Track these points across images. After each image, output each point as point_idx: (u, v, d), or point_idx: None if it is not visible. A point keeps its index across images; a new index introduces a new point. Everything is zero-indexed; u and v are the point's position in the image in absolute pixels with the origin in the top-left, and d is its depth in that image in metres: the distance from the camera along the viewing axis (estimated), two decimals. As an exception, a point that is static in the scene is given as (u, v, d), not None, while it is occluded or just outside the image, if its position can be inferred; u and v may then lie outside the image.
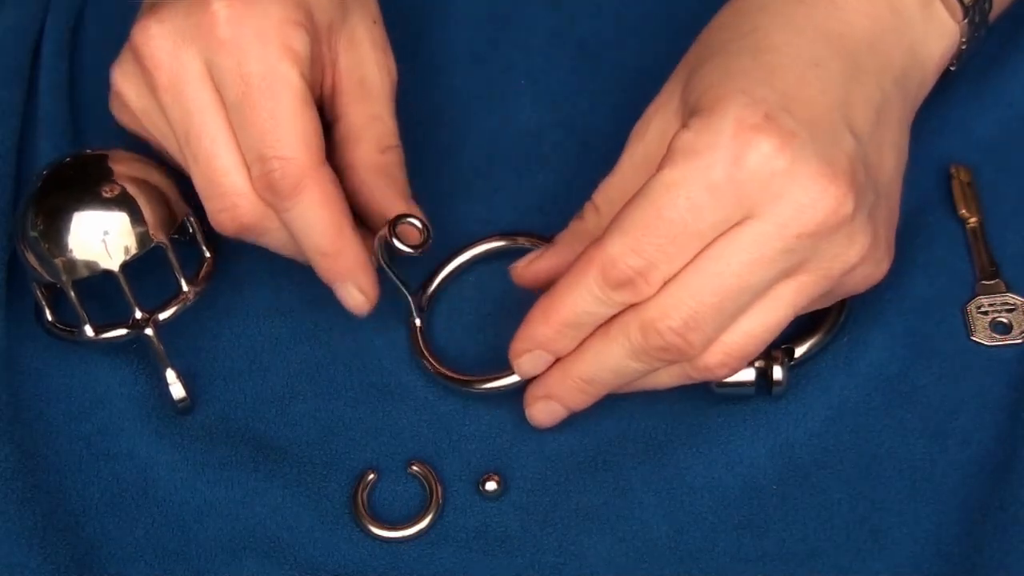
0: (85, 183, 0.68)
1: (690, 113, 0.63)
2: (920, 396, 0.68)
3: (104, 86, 0.78)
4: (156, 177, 0.69)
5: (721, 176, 0.60)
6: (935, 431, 0.67)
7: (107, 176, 0.68)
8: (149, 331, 0.68)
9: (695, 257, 0.61)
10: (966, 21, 0.67)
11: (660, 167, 0.61)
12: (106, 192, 0.67)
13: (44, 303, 0.70)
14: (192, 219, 0.70)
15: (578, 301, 0.62)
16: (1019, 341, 0.69)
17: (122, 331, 0.68)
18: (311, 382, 0.70)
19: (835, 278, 0.63)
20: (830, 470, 0.67)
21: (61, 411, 0.69)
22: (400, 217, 0.66)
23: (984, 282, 0.70)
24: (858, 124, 0.63)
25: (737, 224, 0.61)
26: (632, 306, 0.62)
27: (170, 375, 0.68)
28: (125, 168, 0.68)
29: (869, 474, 0.67)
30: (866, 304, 0.70)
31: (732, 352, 0.63)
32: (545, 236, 0.71)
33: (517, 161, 0.75)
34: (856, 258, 0.62)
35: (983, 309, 0.70)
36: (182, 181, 0.70)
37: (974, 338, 0.69)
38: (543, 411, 0.66)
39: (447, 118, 0.76)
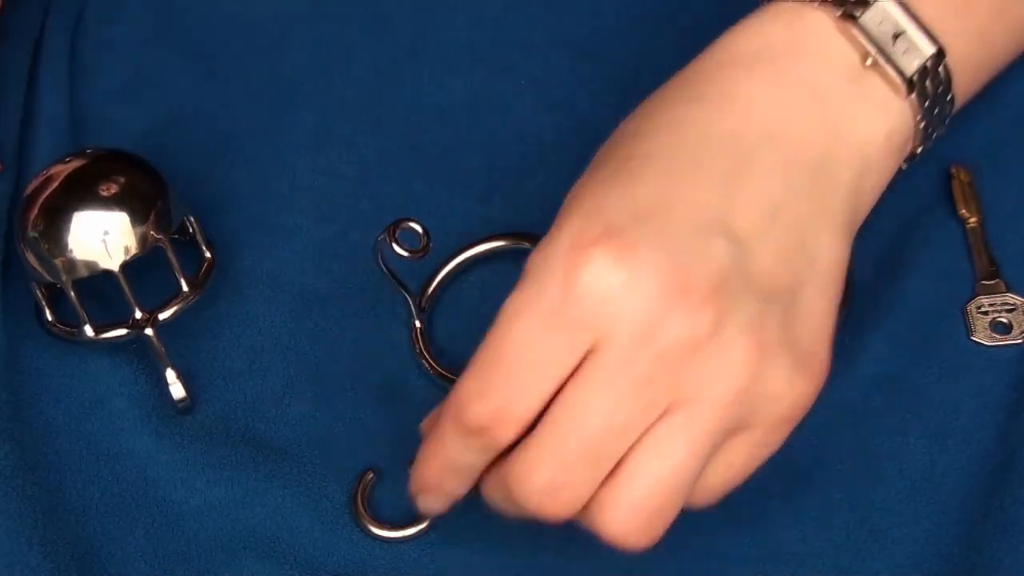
0: (85, 183, 0.67)
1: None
2: (920, 396, 0.68)
3: (104, 86, 0.78)
4: (156, 177, 0.69)
5: (554, 299, 0.55)
6: (935, 431, 0.67)
7: (107, 176, 0.68)
8: (149, 331, 0.68)
9: (553, 398, 0.56)
10: (914, 96, 0.61)
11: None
12: (106, 192, 0.67)
13: (44, 303, 0.70)
14: (192, 219, 0.70)
15: (446, 450, 0.58)
16: (1019, 341, 0.69)
17: (122, 331, 0.68)
18: (311, 382, 0.70)
19: (728, 404, 0.55)
20: (830, 470, 0.67)
21: (61, 411, 0.69)
22: (400, 220, 0.66)
23: (984, 282, 0.70)
24: (739, 226, 0.57)
25: (589, 351, 0.55)
26: (500, 456, 0.58)
27: (170, 375, 0.68)
28: (125, 168, 0.68)
29: (869, 474, 0.67)
30: (866, 304, 0.70)
31: (637, 515, 0.56)
32: (532, 236, 0.71)
33: (517, 161, 0.75)
34: (740, 375, 0.55)
35: (983, 309, 0.70)
36: (182, 181, 0.70)
37: (974, 338, 0.69)
38: (429, 504, 0.62)
39: (447, 118, 0.76)
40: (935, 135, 0.64)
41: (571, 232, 0.56)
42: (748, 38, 0.62)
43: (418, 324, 0.70)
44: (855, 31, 0.61)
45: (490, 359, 0.56)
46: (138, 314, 0.68)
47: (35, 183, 0.69)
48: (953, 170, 0.73)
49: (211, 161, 0.75)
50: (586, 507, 0.57)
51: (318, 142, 0.76)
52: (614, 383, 0.55)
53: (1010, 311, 0.70)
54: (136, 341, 0.69)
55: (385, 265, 0.68)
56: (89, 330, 0.68)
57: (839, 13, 0.61)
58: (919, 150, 0.64)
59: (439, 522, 0.66)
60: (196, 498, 0.67)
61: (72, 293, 0.67)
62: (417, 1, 0.79)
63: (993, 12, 0.64)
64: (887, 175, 0.62)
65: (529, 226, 0.73)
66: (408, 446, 0.68)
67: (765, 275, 0.57)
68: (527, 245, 0.71)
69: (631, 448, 0.56)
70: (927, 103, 0.62)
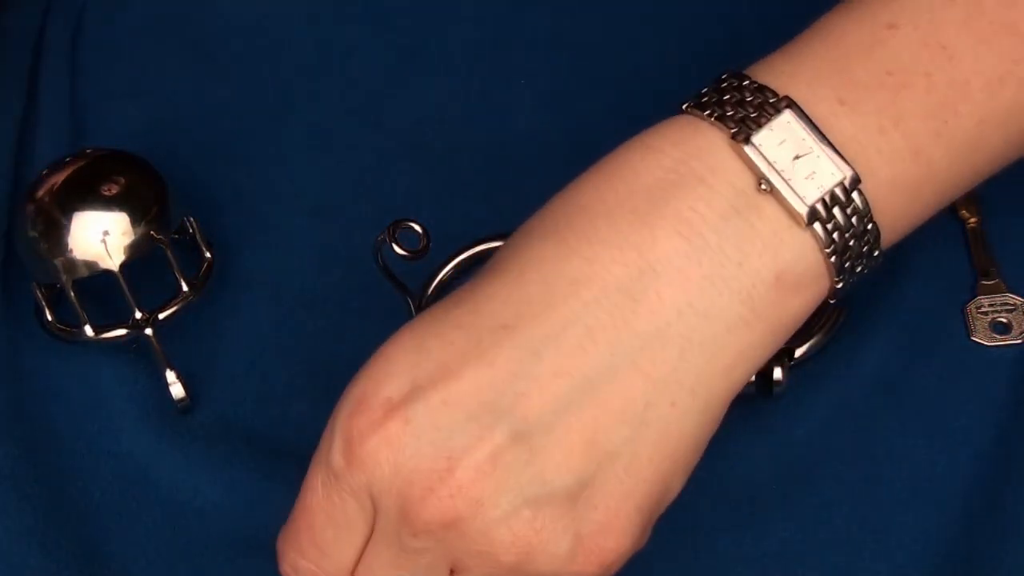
0: (85, 183, 0.68)
1: None
2: (920, 396, 0.68)
3: (104, 86, 0.78)
4: (155, 177, 0.69)
5: (339, 464, 0.55)
6: (935, 431, 0.67)
7: (107, 176, 0.68)
8: (149, 331, 0.68)
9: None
10: (818, 227, 0.54)
11: None
12: (106, 192, 0.67)
13: (44, 303, 0.70)
14: (192, 219, 0.70)
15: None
16: (1019, 341, 0.69)
17: (122, 331, 0.68)
18: (311, 382, 0.70)
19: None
20: (830, 470, 0.67)
21: (61, 411, 0.69)
22: (400, 221, 0.66)
23: (984, 282, 0.70)
24: (534, 401, 0.53)
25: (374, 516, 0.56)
26: None
27: (170, 375, 0.68)
28: (125, 168, 0.68)
29: (869, 474, 0.67)
30: (866, 304, 0.70)
31: None
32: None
33: (517, 161, 0.75)
34: (509, 560, 0.54)
35: (983, 309, 0.70)
36: (182, 181, 0.70)
37: (974, 338, 0.69)
38: None
39: (447, 118, 0.76)
40: (865, 270, 0.57)
41: (355, 396, 0.56)
42: (633, 155, 0.56)
43: None
44: (748, 152, 0.54)
45: (297, 518, 0.58)
46: (138, 314, 0.68)
47: (35, 183, 0.69)
48: (953, 170, 0.73)
49: (211, 161, 0.75)
50: None
51: (318, 142, 0.76)
52: (393, 546, 0.55)
53: (1010, 311, 0.70)
54: (136, 341, 0.69)
55: (385, 265, 0.68)
56: (89, 330, 0.68)
57: (732, 131, 0.54)
58: (843, 286, 0.56)
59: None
60: (197, 498, 0.67)
61: (72, 293, 0.67)
62: (417, 1, 0.79)
63: (930, 129, 0.55)
64: (789, 317, 0.56)
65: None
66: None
67: (555, 452, 0.53)
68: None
69: None
70: (837, 235, 0.54)
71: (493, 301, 0.54)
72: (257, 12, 0.79)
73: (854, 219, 0.55)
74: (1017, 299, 0.70)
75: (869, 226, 0.55)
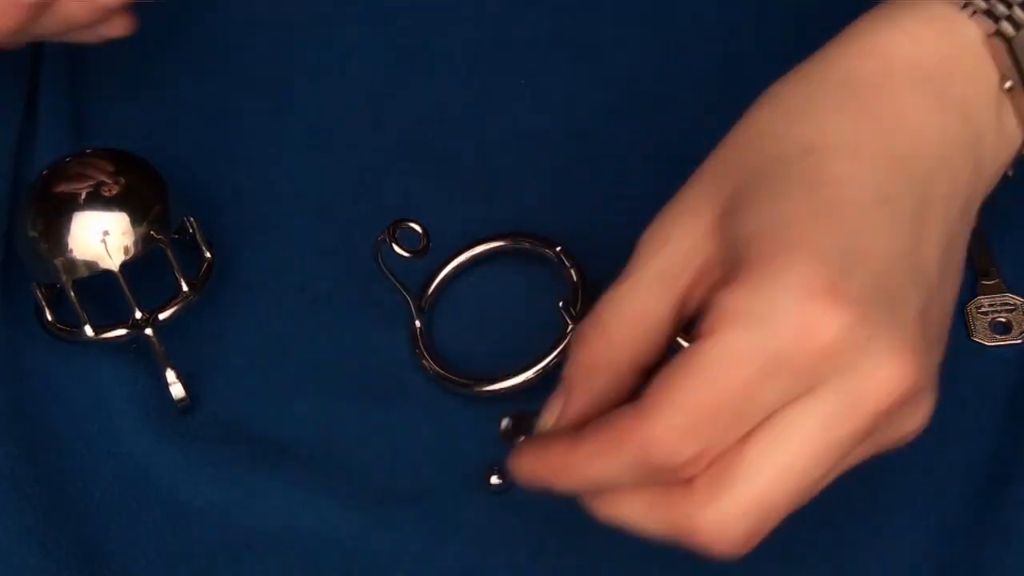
0: (85, 183, 0.68)
1: (738, 258, 0.53)
2: (920, 396, 0.68)
3: (104, 86, 0.78)
4: (156, 177, 0.69)
5: (789, 347, 0.51)
6: (935, 431, 0.67)
7: (107, 176, 0.68)
8: (149, 331, 0.68)
9: (754, 441, 0.53)
10: None
11: (709, 330, 0.52)
12: (106, 192, 0.67)
13: (44, 303, 0.70)
14: (192, 219, 0.70)
15: (605, 471, 0.54)
16: (1019, 341, 0.69)
17: (122, 331, 0.68)
18: (311, 382, 0.70)
19: (891, 445, 0.56)
20: (830, 470, 0.67)
21: (61, 411, 0.69)
22: (400, 220, 0.66)
23: (984, 282, 0.70)
24: (927, 271, 0.55)
25: (800, 398, 0.52)
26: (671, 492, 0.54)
27: (170, 375, 0.68)
28: (125, 168, 0.68)
29: (869, 474, 0.66)
30: (866, 304, 0.70)
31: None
32: (545, 236, 0.71)
33: (517, 161, 0.75)
34: (917, 426, 0.55)
35: (983, 309, 0.70)
36: (182, 181, 0.70)
37: (974, 338, 0.69)
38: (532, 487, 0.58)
39: (447, 118, 0.76)
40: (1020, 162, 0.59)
41: (800, 280, 0.52)
42: (900, 43, 0.56)
43: (418, 324, 0.70)
44: (1005, 52, 0.56)
45: (703, 399, 0.52)
46: (138, 314, 0.68)
47: (35, 183, 0.69)
48: (953, 170, 0.73)
49: (211, 161, 0.75)
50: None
51: (318, 142, 0.76)
52: (830, 432, 0.53)
53: (1010, 311, 0.70)
54: (136, 341, 0.69)
55: (385, 265, 0.68)
56: (89, 330, 0.68)
57: (992, 30, 0.56)
58: (1009, 173, 0.59)
59: (441, 521, 0.66)
60: (197, 498, 0.67)
61: (72, 293, 0.67)
62: (417, 1, 0.79)
63: None
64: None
65: (529, 226, 0.73)
66: (409, 444, 0.68)
67: (937, 318, 0.55)
68: (527, 245, 0.71)
69: None
70: None
71: (854, 178, 0.54)
72: (257, 12, 0.79)
73: None
74: (1017, 299, 0.70)
75: None
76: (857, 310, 0.52)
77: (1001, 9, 0.56)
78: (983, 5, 0.56)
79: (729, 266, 0.54)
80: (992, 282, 0.70)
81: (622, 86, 0.77)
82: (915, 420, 0.55)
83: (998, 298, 0.70)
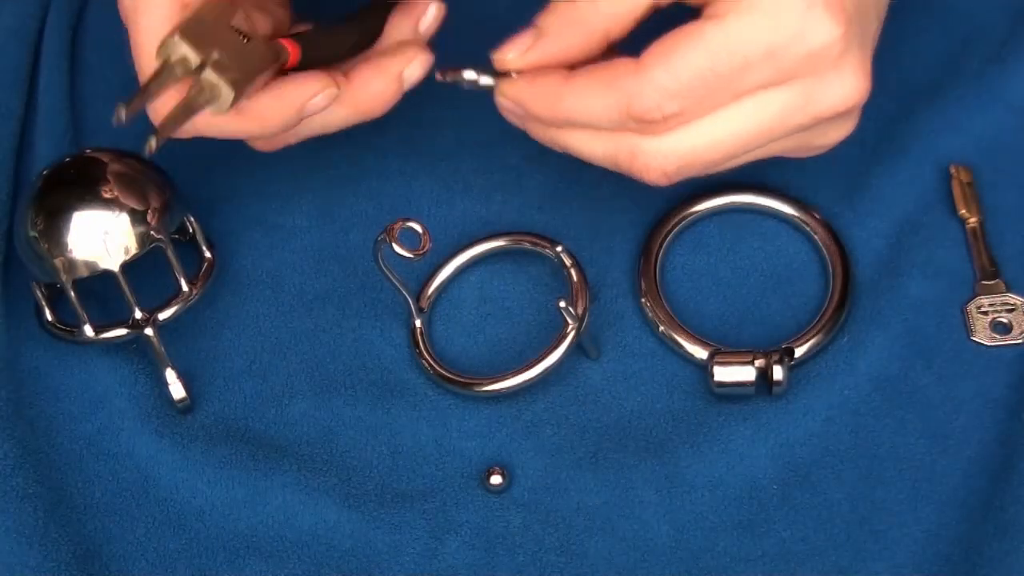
0: (85, 183, 0.68)
1: None
2: (920, 396, 0.68)
3: (104, 86, 0.78)
4: (156, 177, 0.69)
5: (783, 43, 0.60)
6: (935, 431, 0.67)
7: (107, 176, 0.68)
8: (149, 331, 0.68)
9: (716, 109, 0.61)
10: None
11: (717, 12, 0.61)
12: (106, 192, 0.67)
13: (44, 303, 0.70)
14: (192, 219, 0.70)
15: (590, 112, 0.62)
16: (1019, 341, 0.69)
17: (122, 331, 0.68)
18: (311, 382, 0.70)
19: (814, 147, 0.64)
20: (830, 470, 0.67)
21: (61, 411, 0.69)
22: (400, 220, 0.66)
23: (984, 282, 0.70)
24: (884, 3, 0.64)
25: (768, 87, 0.61)
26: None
27: (170, 375, 0.68)
28: (125, 168, 0.68)
29: (869, 474, 0.67)
30: (866, 304, 0.70)
31: (700, 157, 0.63)
32: (546, 236, 0.71)
33: (517, 161, 0.75)
34: (842, 136, 0.64)
35: (983, 309, 0.70)
36: (182, 181, 0.70)
37: (974, 338, 0.69)
38: (512, 112, 0.65)
39: (447, 118, 0.76)
40: None
41: None
42: None
43: (418, 324, 0.70)
44: None
45: (697, 69, 0.60)
46: (138, 314, 0.68)
47: (35, 183, 0.69)
48: (953, 170, 0.73)
49: (211, 161, 0.75)
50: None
51: (318, 142, 0.76)
52: (779, 120, 0.62)
53: (1010, 311, 0.70)
54: (136, 341, 0.69)
55: (385, 265, 0.68)
56: (89, 330, 0.68)
57: None
58: None
59: (441, 521, 0.66)
60: (196, 497, 0.67)
61: (72, 293, 0.67)
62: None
63: None
64: None
65: (529, 226, 0.73)
66: (408, 444, 0.68)
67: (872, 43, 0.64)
68: (527, 245, 0.71)
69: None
70: None
71: None
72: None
73: None
74: (1017, 299, 0.70)
75: None
76: (846, 26, 0.60)
77: None
78: None
79: None
80: (992, 282, 0.70)
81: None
82: (840, 133, 0.64)
83: (998, 298, 0.70)
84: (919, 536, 0.65)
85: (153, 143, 0.61)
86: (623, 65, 0.62)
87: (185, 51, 0.63)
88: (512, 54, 0.64)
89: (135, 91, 0.63)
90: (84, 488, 0.67)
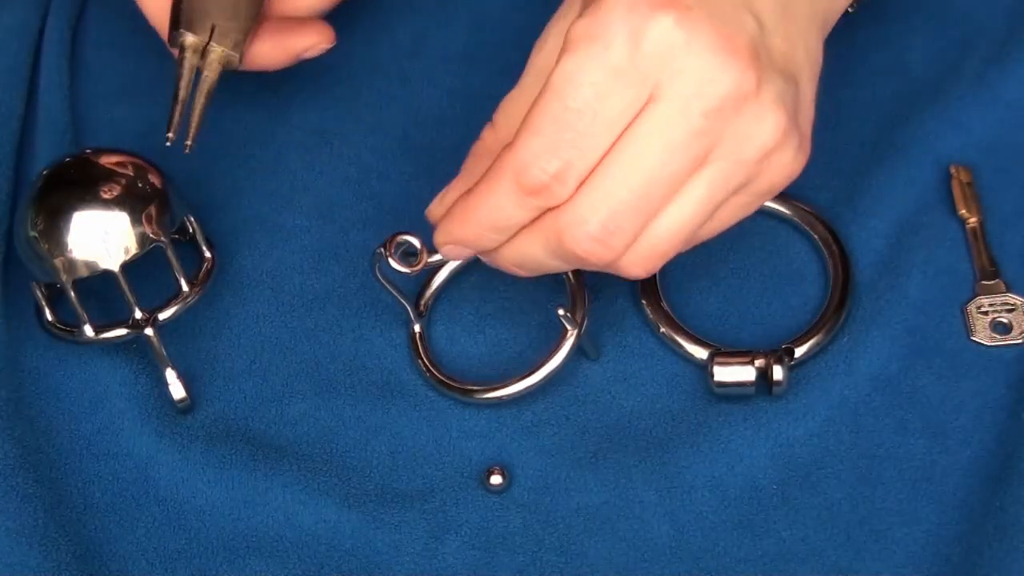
0: (85, 183, 0.67)
1: (583, 7, 0.61)
2: (920, 396, 0.68)
3: (104, 86, 0.78)
4: (156, 177, 0.69)
5: (622, 56, 0.58)
6: (935, 431, 0.67)
7: (107, 176, 0.68)
8: (149, 331, 0.68)
9: (606, 152, 0.59)
10: None
11: (559, 60, 0.59)
12: (106, 192, 0.67)
13: (44, 303, 0.70)
14: (192, 219, 0.70)
15: (495, 208, 0.61)
16: (1019, 341, 0.69)
17: (122, 331, 0.68)
18: (311, 382, 0.70)
19: (749, 164, 0.60)
20: (830, 470, 0.67)
21: (61, 410, 0.69)
22: (396, 234, 0.66)
23: (984, 282, 0.70)
24: (760, 10, 0.61)
25: (642, 109, 0.59)
26: (551, 209, 0.60)
27: (170, 375, 0.68)
28: (125, 168, 0.68)
29: (869, 474, 0.67)
30: (866, 304, 0.70)
31: (652, 255, 0.61)
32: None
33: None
34: (769, 140, 0.60)
35: (983, 309, 0.70)
36: (182, 181, 0.70)
37: (974, 338, 0.69)
38: (454, 252, 0.65)
39: (447, 119, 0.76)
40: None
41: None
42: None
43: (417, 329, 0.70)
44: None
45: (554, 119, 0.59)
46: (138, 314, 0.68)
47: (35, 183, 0.69)
48: (953, 170, 0.73)
49: (211, 161, 0.75)
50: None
51: (318, 142, 0.76)
52: (670, 133, 0.59)
53: (1010, 311, 0.70)
54: (136, 341, 0.69)
55: (382, 277, 0.67)
56: (89, 330, 0.68)
57: None
58: (850, 10, 0.67)
59: (441, 521, 0.66)
60: (196, 497, 0.67)
61: (72, 293, 0.67)
62: (417, 1, 0.79)
63: None
64: (837, 15, 0.66)
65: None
66: (408, 444, 0.68)
67: (779, 56, 0.61)
68: None
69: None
70: None
71: None
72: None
73: None
74: (1017, 299, 0.70)
75: None
76: (681, 11, 0.58)
77: None
78: None
79: None
80: (992, 282, 0.70)
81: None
82: (763, 132, 0.59)
83: (998, 298, 0.70)
84: (919, 536, 0.65)
85: (190, 141, 0.68)
86: (500, 154, 0.61)
87: (190, 40, 0.69)
88: (434, 204, 0.66)
89: (169, 112, 0.68)
90: (84, 488, 0.67)
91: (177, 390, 0.68)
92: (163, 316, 0.68)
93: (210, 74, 0.69)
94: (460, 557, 0.65)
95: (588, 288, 0.69)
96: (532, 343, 0.70)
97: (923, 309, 0.70)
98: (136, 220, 0.67)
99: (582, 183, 0.60)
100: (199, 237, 0.70)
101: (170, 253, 0.68)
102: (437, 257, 0.67)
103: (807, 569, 0.65)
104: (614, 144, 0.59)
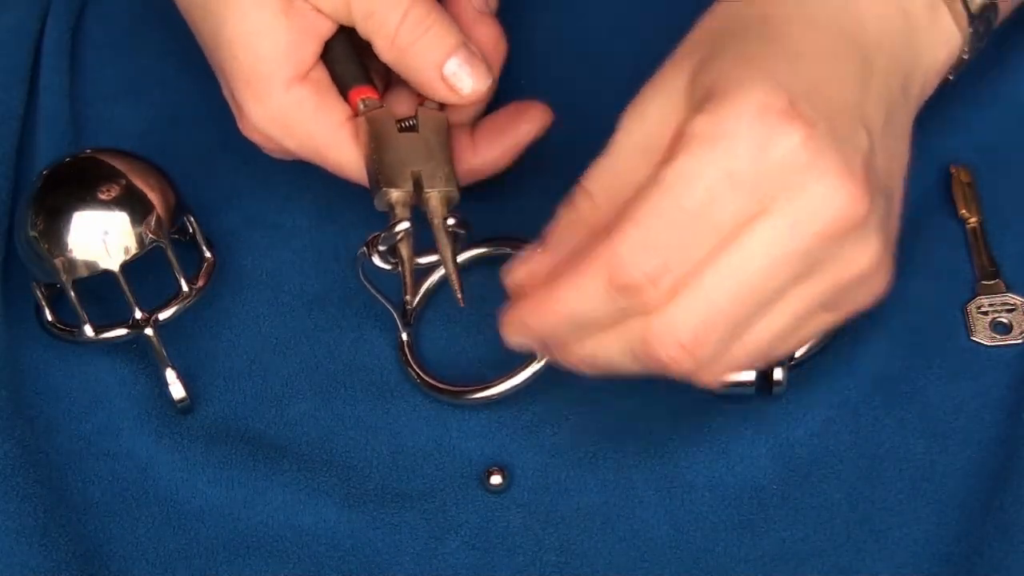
0: (85, 183, 0.68)
1: (704, 98, 0.58)
2: (920, 396, 0.68)
3: (104, 86, 0.78)
4: (156, 177, 0.69)
5: (744, 164, 0.56)
6: (935, 431, 0.67)
7: (107, 176, 0.68)
8: (149, 331, 0.68)
9: (708, 260, 0.57)
10: (971, 30, 0.64)
11: (674, 155, 0.57)
12: (105, 192, 0.67)
13: (44, 303, 0.70)
14: (192, 219, 0.70)
15: (582, 302, 0.58)
16: (1019, 341, 0.69)
17: (122, 331, 0.68)
18: (310, 382, 0.70)
19: (845, 286, 0.59)
20: (830, 470, 0.67)
21: (61, 410, 0.69)
22: (379, 233, 0.66)
23: (984, 282, 0.70)
24: (871, 124, 0.59)
25: (752, 220, 0.57)
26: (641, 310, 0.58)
27: (170, 375, 0.68)
28: (125, 168, 0.68)
29: (869, 474, 0.67)
30: (866, 304, 0.70)
31: (728, 368, 0.59)
32: (526, 239, 0.71)
33: (517, 162, 0.75)
34: (867, 266, 0.59)
35: (983, 309, 0.70)
36: (182, 181, 0.70)
37: (974, 338, 0.69)
38: (520, 343, 0.62)
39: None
40: (962, 66, 0.65)
41: (758, 100, 0.56)
42: None
43: (405, 337, 0.70)
44: None
45: (662, 217, 0.56)
46: (138, 314, 0.68)
47: (35, 183, 0.69)
48: (953, 170, 0.73)
49: (211, 161, 0.75)
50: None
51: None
52: (778, 248, 0.57)
53: (1010, 311, 0.70)
54: (136, 341, 0.69)
55: (366, 279, 0.67)
56: (89, 330, 0.68)
57: None
58: (950, 77, 0.66)
59: (440, 521, 0.66)
60: (196, 497, 0.67)
61: (72, 293, 0.67)
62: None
63: None
64: (926, 99, 0.65)
65: (529, 226, 0.73)
66: (408, 444, 0.68)
67: (883, 173, 0.60)
68: (508, 250, 0.71)
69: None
70: (977, 37, 0.64)
71: (804, 38, 0.60)
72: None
73: (989, 23, 0.65)
74: (1017, 299, 0.70)
75: (990, 30, 0.65)
76: (808, 129, 0.56)
77: None
78: None
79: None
80: (992, 282, 0.70)
81: (622, 86, 0.76)
82: (865, 257, 0.58)
83: (998, 298, 0.70)
84: (919, 536, 0.65)
85: (460, 295, 0.67)
86: (594, 242, 0.58)
87: (395, 195, 0.67)
88: (518, 270, 0.62)
89: (405, 284, 0.68)
90: (84, 488, 0.67)
91: (177, 390, 0.68)
92: (163, 316, 0.68)
93: (438, 220, 0.67)
94: (460, 557, 0.65)
95: None
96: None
97: (923, 309, 0.70)
98: (136, 220, 0.67)
99: (678, 287, 0.57)
100: (199, 237, 0.70)
101: (170, 253, 0.68)
102: (427, 259, 0.67)
103: (807, 569, 0.65)
104: (718, 251, 0.57)
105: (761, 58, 0.59)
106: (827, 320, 0.60)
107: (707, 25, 0.62)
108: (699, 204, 0.56)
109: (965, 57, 0.65)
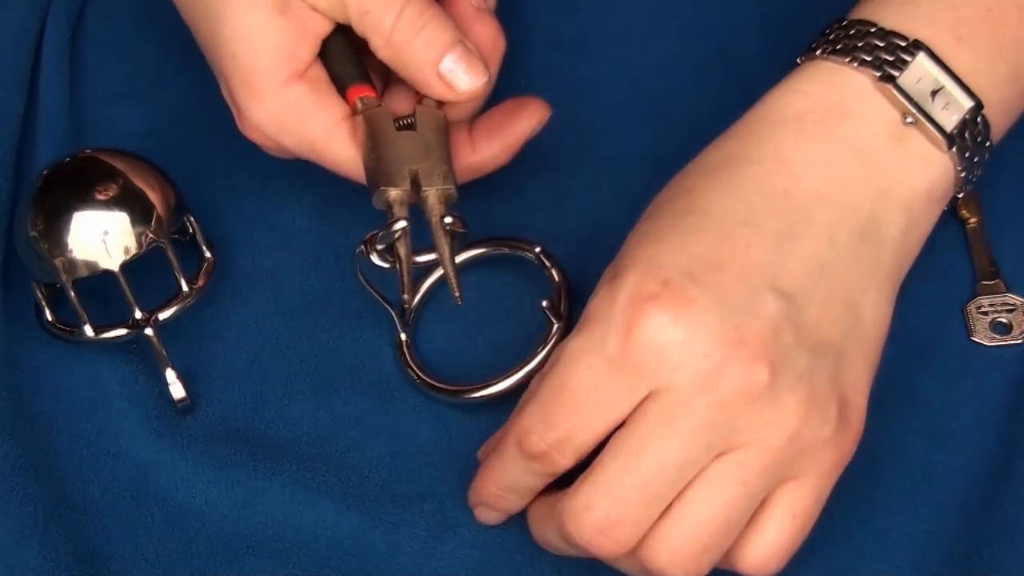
0: (85, 183, 0.68)
1: (610, 278, 0.60)
2: (920, 396, 0.68)
3: (104, 86, 0.78)
4: (156, 177, 0.69)
5: (614, 348, 0.58)
6: (935, 431, 0.67)
7: (107, 176, 0.68)
8: (149, 331, 0.68)
9: (611, 439, 0.59)
10: (954, 150, 0.62)
11: (572, 334, 0.60)
12: (105, 192, 0.67)
13: (44, 303, 0.70)
14: (192, 219, 0.70)
15: (506, 470, 0.62)
16: (1019, 341, 0.69)
17: (122, 331, 0.68)
18: (310, 382, 0.70)
19: (780, 449, 0.58)
20: (830, 470, 0.67)
21: (61, 411, 0.69)
22: (376, 232, 0.66)
23: (984, 282, 0.70)
24: (789, 282, 0.59)
25: (646, 398, 0.58)
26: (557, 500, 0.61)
27: (170, 375, 0.68)
28: (125, 168, 0.68)
29: (869, 474, 0.67)
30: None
31: (682, 546, 0.59)
32: (522, 239, 0.71)
33: (517, 161, 0.75)
34: (791, 423, 0.58)
35: (983, 309, 0.70)
36: (182, 181, 0.70)
37: (974, 338, 0.69)
38: (484, 515, 0.66)
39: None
40: (974, 179, 0.64)
41: (630, 285, 0.58)
42: (792, 99, 0.62)
43: (404, 338, 0.70)
44: (894, 91, 0.61)
45: (553, 394, 0.59)
46: (138, 314, 0.68)
47: (35, 183, 0.69)
48: (953, 170, 0.73)
49: (211, 161, 0.75)
50: (637, 543, 0.59)
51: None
52: (672, 427, 0.58)
53: (1010, 311, 0.70)
54: (136, 341, 0.69)
55: (365, 279, 0.67)
56: (89, 330, 0.68)
57: (878, 75, 0.61)
58: (959, 195, 0.64)
59: (440, 521, 0.66)
60: (196, 498, 0.67)
61: (72, 293, 0.67)
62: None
63: (1022, 51, 0.64)
64: (929, 227, 0.63)
65: (530, 226, 0.73)
66: (408, 445, 0.68)
67: (813, 329, 0.59)
68: (506, 249, 0.71)
69: (684, 488, 0.59)
70: (967, 154, 0.62)
71: (721, 206, 0.60)
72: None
73: (979, 139, 0.63)
74: (1017, 299, 0.70)
75: (987, 144, 0.63)
76: (683, 306, 0.57)
77: (884, 56, 0.62)
78: (866, 57, 0.62)
79: None
80: (992, 282, 0.70)
81: (622, 86, 0.77)
82: (784, 417, 0.58)
83: (998, 298, 0.70)
84: (919, 536, 0.65)
85: (457, 293, 0.66)
86: (510, 418, 0.63)
87: (393, 194, 0.66)
88: (483, 448, 0.66)
89: (403, 283, 0.67)
90: (84, 488, 0.67)
91: (177, 390, 0.68)
92: (163, 316, 0.68)
93: (436, 219, 0.66)
94: (459, 557, 0.65)
95: (572, 282, 0.69)
96: (521, 344, 0.70)
97: (923, 309, 0.70)
98: (136, 220, 0.67)
99: (586, 471, 0.59)
100: (199, 237, 0.70)
101: (170, 253, 0.68)
102: (425, 257, 0.67)
103: (807, 569, 0.65)
104: (620, 431, 0.59)
105: (656, 237, 0.60)
106: (808, 487, 0.60)
107: (655, 199, 0.63)
108: (580, 383, 0.59)
109: (963, 175, 0.63)
